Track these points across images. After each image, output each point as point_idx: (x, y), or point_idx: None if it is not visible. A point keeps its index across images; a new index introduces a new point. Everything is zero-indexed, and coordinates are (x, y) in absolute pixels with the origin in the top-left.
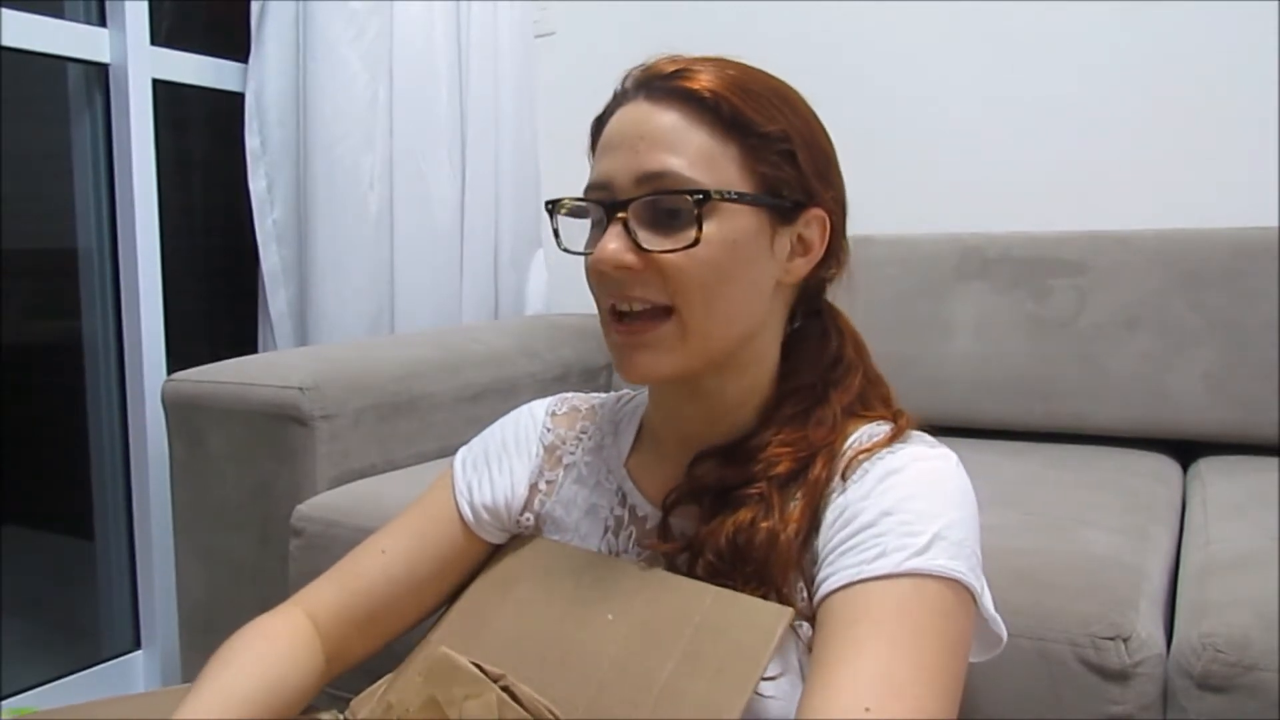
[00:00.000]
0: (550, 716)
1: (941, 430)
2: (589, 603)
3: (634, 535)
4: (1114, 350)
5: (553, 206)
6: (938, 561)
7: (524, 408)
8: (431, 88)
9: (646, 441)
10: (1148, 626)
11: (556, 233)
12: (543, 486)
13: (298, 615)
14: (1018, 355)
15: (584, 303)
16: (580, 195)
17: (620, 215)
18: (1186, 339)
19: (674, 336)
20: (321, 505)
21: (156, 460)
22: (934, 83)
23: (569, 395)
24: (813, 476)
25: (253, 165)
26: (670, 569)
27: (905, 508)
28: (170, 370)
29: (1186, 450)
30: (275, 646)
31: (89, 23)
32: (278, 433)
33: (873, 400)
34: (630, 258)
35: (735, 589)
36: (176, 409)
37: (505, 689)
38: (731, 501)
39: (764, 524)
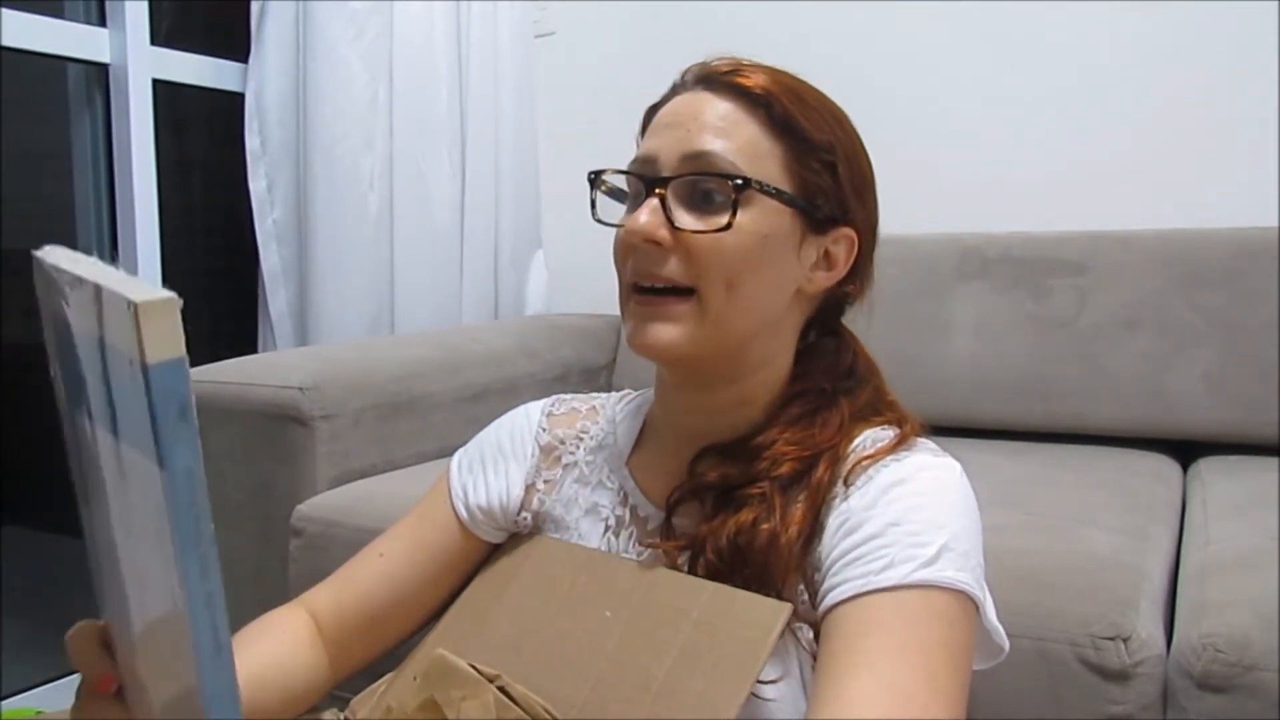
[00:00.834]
0: (546, 716)
1: (941, 430)
2: (586, 600)
3: (634, 535)
4: (1114, 350)
5: (595, 177)
6: (946, 573)
7: (519, 409)
8: (431, 88)
9: (649, 440)
10: (1148, 626)
11: (594, 203)
12: (540, 486)
13: (302, 614)
14: (1018, 355)
15: (584, 303)
16: (622, 169)
17: (659, 191)
18: (1186, 339)
19: (692, 316)
20: (321, 505)
21: None
22: (934, 83)
23: (566, 396)
24: (815, 479)
25: (253, 165)
26: (670, 568)
27: (912, 518)
28: None
29: (1186, 450)
30: (282, 644)
31: (89, 23)
32: (278, 433)
33: (881, 409)
34: (663, 233)
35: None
36: None
37: (501, 689)
38: (734, 501)
39: (765, 525)
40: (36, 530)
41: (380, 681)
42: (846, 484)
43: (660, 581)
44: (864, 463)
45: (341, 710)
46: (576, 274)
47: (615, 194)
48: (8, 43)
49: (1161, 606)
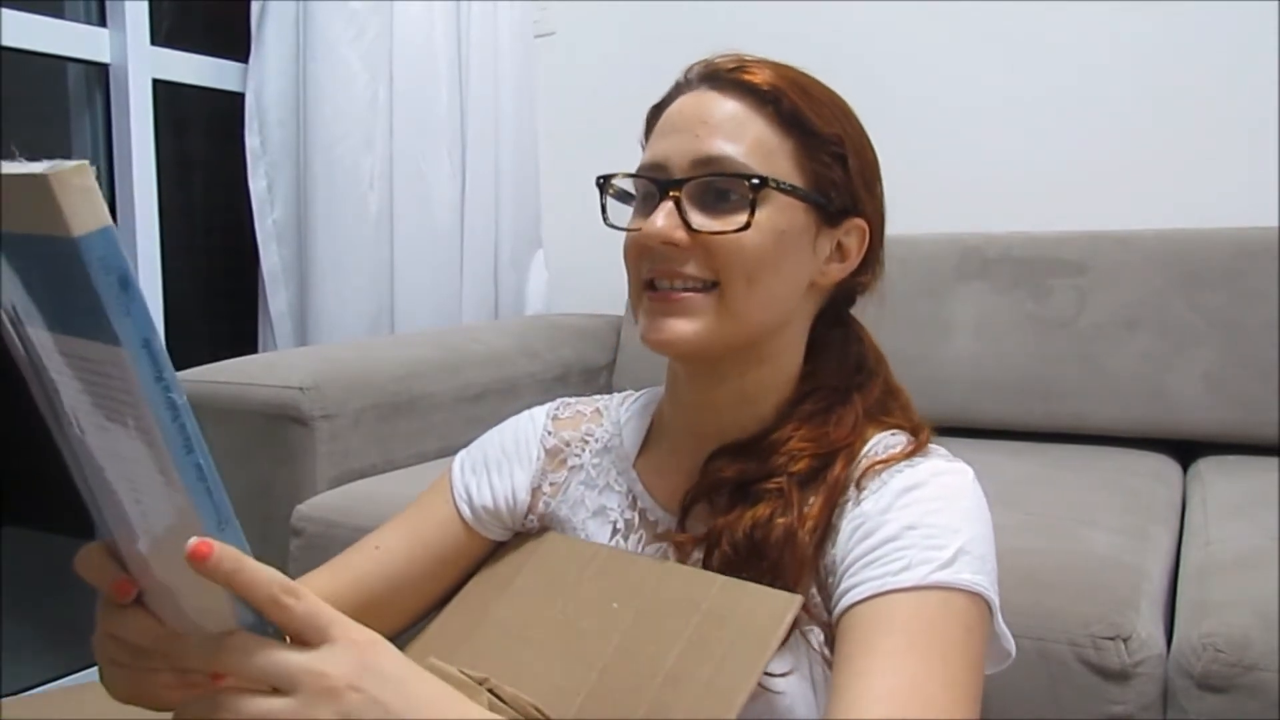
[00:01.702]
0: (537, 715)
1: (941, 430)
2: (594, 592)
3: (643, 538)
4: (1114, 350)
5: (604, 182)
6: (963, 575)
7: (524, 413)
8: (431, 88)
9: (657, 441)
10: (1148, 626)
11: (604, 208)
12: (546, 489)
13: None
14: (1018, 355)
15: (584, 303)
16: (632, 173)
17: (674, 193)
18: (1186, 339)
19: (711, 308)
20: (321, 505)
21: None
22: (934, 83)
23: (570, 400)
24: (832, 477)
25: (253, 165)
26: (682, 564)
27: (928, 522)
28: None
29: (1186, 450)
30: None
31: (89, 23)
32: (278, 433)
33: (893, 408)
34: (680, 234)
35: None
36: None
37: (490, 691)
38: (750, 496)
39: (781, 520)
40: (36, 530)
41: None
42: (859, 487)
43: (670, 574)
44: (877, 467)
45: None
46: (576, 274)
47: (622, 197)
48: (8, 43)
49: (1161, 606)
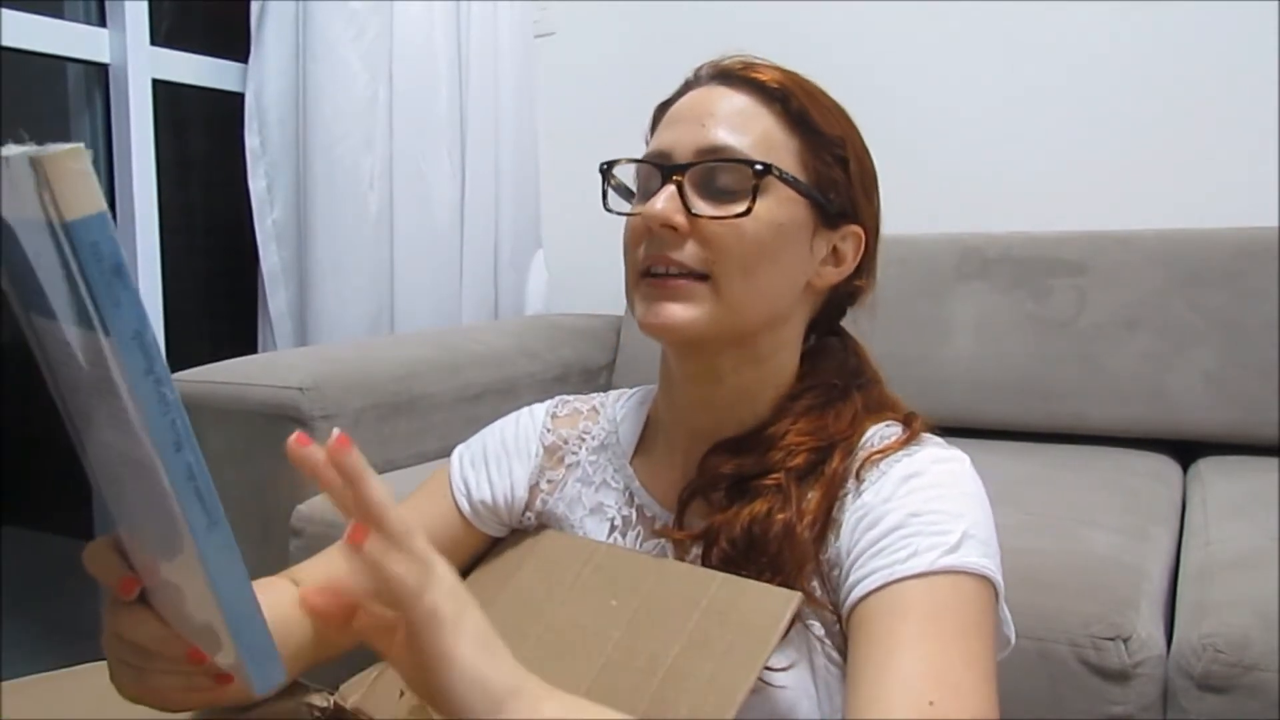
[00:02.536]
0: None
1: (942, 430)
2: (592, 589)
3: (641, 535)
4: (1114, 350)
5: (607, 169)
6: (970, 558)
7: (523, 410)
8: (431, 88)
9: (653, 439)
10: (1148, 627)
11: (605, 194)
12: (544, 486)
13: (286, 583)
14: (1018, 355)
15: (584, 303)
16: (636, 159)
17: (676, 178)
18: (1186, 339)
19: (706, 297)
20: (321, 505)
21: None
22: (934, 83)
23: (568, 398)
24: (829, 471)
25: (253, 165)
26: (680, 561)
27: (932, 508)
28: (170, 370)
29: (1186, 450)
30: (265, 599)
31: (89, 23)
32: (277, 433)
33: (885, 411)
34: (679, 219)
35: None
36: None
37: None
38: (748, 492)
39: (780, 515)
40: (36, 530)
41: (373, 668)
42: (859, 479)
43: (669, 572)
44: (874, 457)
45: (332, 693)
46: (576, 274)
47: (622, 191)
48: (8, 43)
49: (1161, 606)
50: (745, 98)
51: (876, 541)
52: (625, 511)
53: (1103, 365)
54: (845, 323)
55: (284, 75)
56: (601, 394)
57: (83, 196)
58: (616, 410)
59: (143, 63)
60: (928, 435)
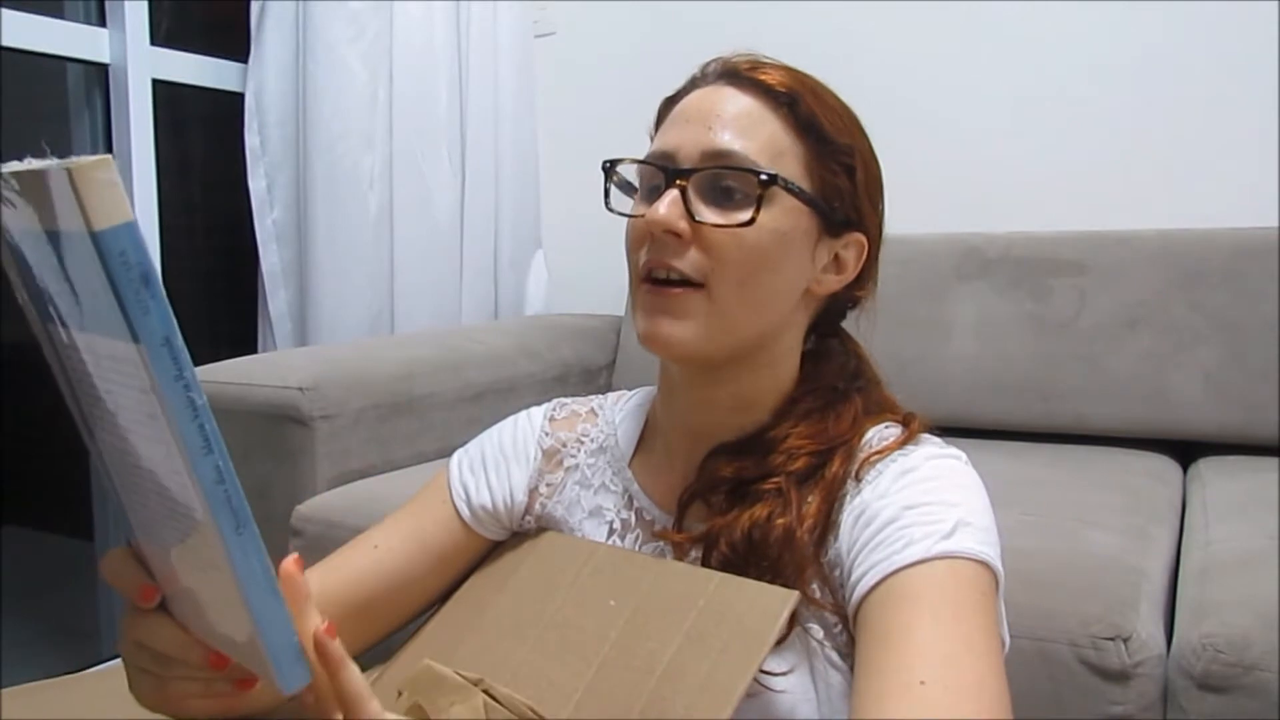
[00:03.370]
0: (532, 716)
1: (942, 430)
2: (591, 590)
3: (640, 538)
4: (1114, 350)
5: (610, 167)
6: (965, 544)
7: (520, 414)
8: (431, 88)
9: (651, 443)
10: (1148, 627)
11: (608, 193)
12: (543, 489)
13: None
14: (1018, 355)
15: (584, 303)
16: (640, 159)
17: (680, 182)
18: (1186, 339)
19: (702, 310)
20: (321, 506)
21: None
22: (934, 82)
23: (566, 400)
24: (830, 474)
25: (253, 165)
26: (679, 560)
27: (925, 500)
28: None
29: (1186, 450)
30: None
31: (89, 23)
32: (277, 433)
33: (884, 413)
34: (682, 224)
35: None
36: None
37: (485, 692)
38: (748, 495)
39: (780, 520)
40: (36, 530)
41: (372, 670)
42: (858, 479)
43: (667, 572)
44: (873, 458)
45: None
46: (576, 274)
47: (624, 187)
48: (8, 43)
49: (1161, 606)
50: (752, 100)
51: (874, 537)
52: (624, 514)
53: (1103, 365)
54: (845, 323)
55: (284, 75)
56: (600, 396)
57: (111, 206)
58: (615, 413)
59: (143, 63)
60: (925, 435)
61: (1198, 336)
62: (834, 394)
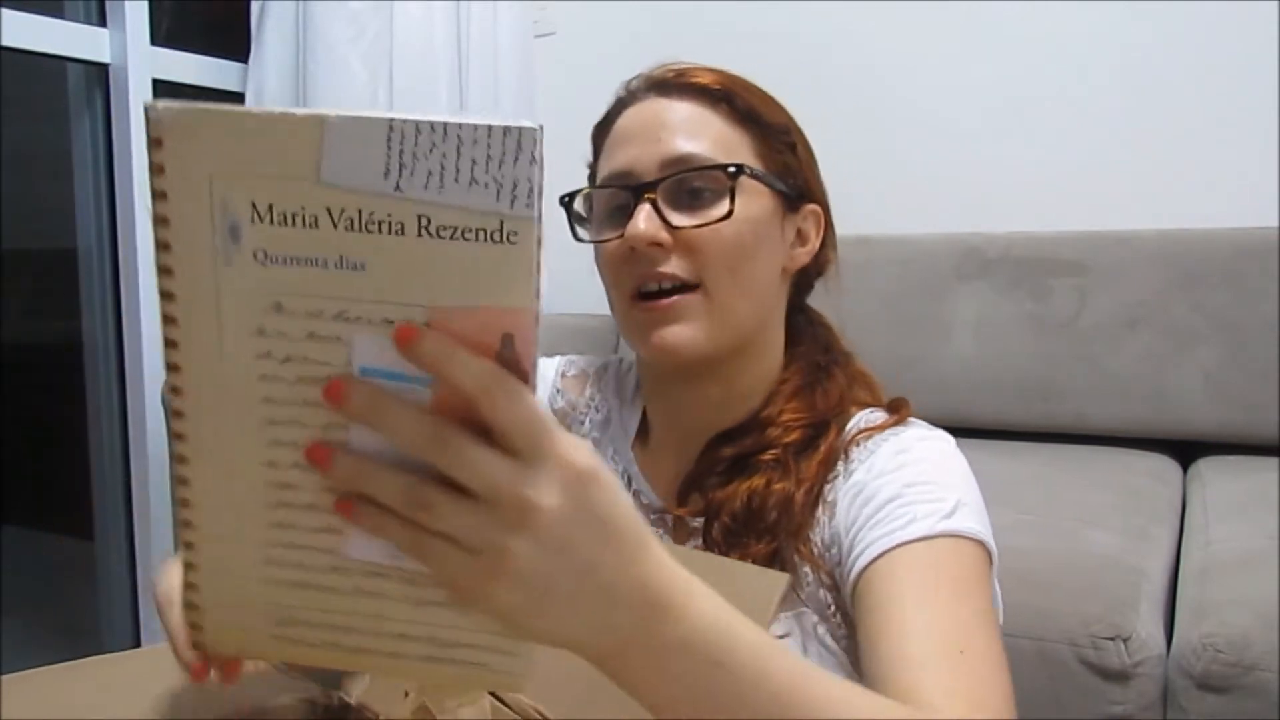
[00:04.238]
0: (536, 716)
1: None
2: None
3: None
4: (1114, 350)
5: (569, 200)
6: (967, 523)
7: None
8: (431, 88)
9: (651, 433)
10: (1148, 627)
11: (572, 226)
12: None
13: None
14: (1018, 355)
15: (583, 303)
16: (598, 185)
17: (649, 195)
18: (1186, 339)
19: (701, 309)
20: None
21: (156, 460)
22: (934, 83)
23: (576, 358)
24: (825, 445)
25: None
26: (679, 540)
27: (924, 479)
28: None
29: (1186, 450)
30: None
31: (89, 23)
32: None
33: (861, 394)
34: (664, 234)
35: (748, 548)
36: None
37: (490, 693)
38: (747, 468)
39: (779, 485)
40: (36, 530)
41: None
42: (847, 458)
43: None
44: (861, 436)
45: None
46: (576, 274)
47: (578, 219)
48: (8, 43)
49: (1161, 606)
50: (690, 104)
51: (875, 514)
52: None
53: (1103, 365)
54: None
55: (284, 75)
56: (603, 359)
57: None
58: (622, 379)
59: (143, 63)
60: (912, 419)
61: (1198, 336)
62: (818, 370)
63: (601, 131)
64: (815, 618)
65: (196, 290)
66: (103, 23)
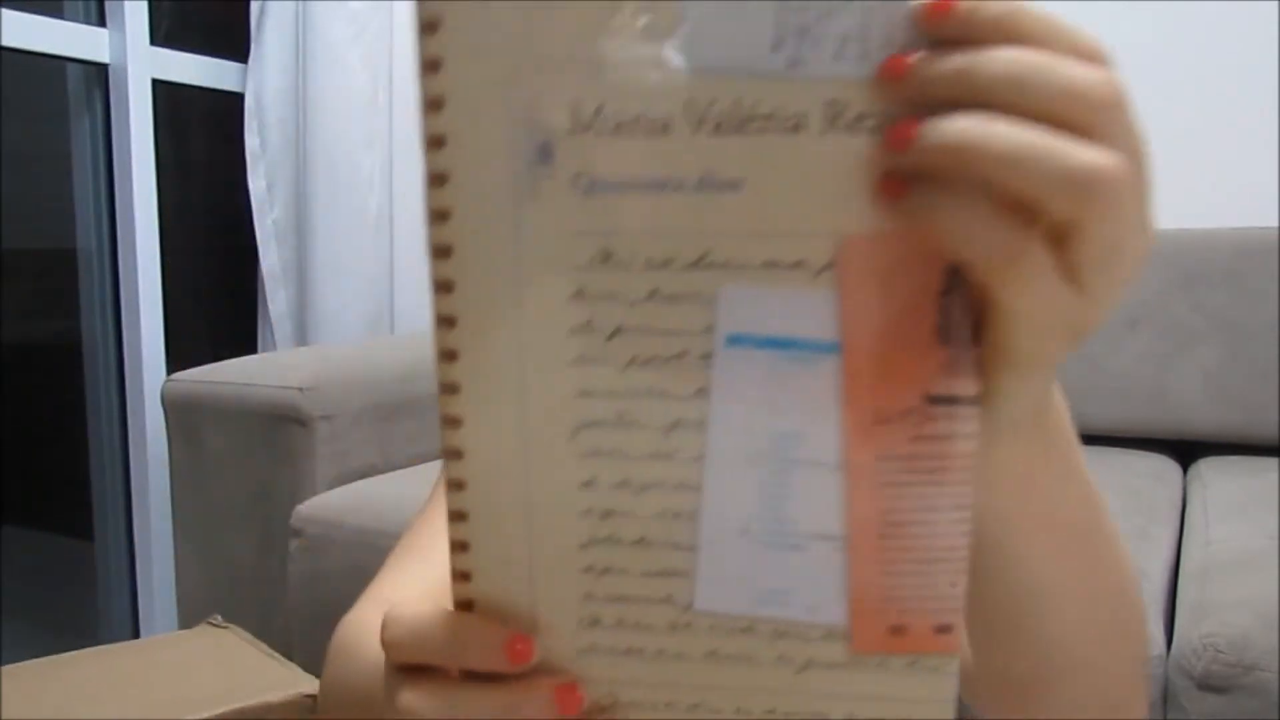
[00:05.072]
0: None
1: None
2: None
3: None
4: (1114, 350)
5: None
6: None
7: None
8: None
9: None
10: (1148, 627)
11: None
12: None
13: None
14: None
15: None
16: None
17: None
18: (1186, 339)
19: None
20: (321, 506)
21: (156, 460)
22: None
23: None
24: None
25: (253, 165)
26: None
27: None
28: (170, 370)
29: (1186, 450)
30: None
31: (89, 23)
32: (277, 433)
33: None
34: None
35: None
36: (176, 409)
37: None
38: None
39: None
40: (36, 530)
41: None
42: None
43: None
44: None
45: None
46: None
47: None
48: (8, 43)
49: (1161, 607)
50: None
51: None
52: None
53: (1103, 365)
54: None
55: (284, 75)
56: None
57: None
58: None
59: (142, 63)
60: None
61: (1198, 336)
62: None
63: None
64: None
65: (486, 238)
66: (102, 23)
